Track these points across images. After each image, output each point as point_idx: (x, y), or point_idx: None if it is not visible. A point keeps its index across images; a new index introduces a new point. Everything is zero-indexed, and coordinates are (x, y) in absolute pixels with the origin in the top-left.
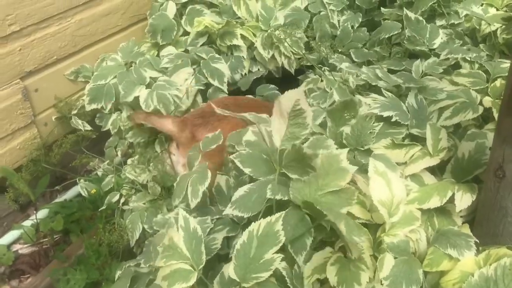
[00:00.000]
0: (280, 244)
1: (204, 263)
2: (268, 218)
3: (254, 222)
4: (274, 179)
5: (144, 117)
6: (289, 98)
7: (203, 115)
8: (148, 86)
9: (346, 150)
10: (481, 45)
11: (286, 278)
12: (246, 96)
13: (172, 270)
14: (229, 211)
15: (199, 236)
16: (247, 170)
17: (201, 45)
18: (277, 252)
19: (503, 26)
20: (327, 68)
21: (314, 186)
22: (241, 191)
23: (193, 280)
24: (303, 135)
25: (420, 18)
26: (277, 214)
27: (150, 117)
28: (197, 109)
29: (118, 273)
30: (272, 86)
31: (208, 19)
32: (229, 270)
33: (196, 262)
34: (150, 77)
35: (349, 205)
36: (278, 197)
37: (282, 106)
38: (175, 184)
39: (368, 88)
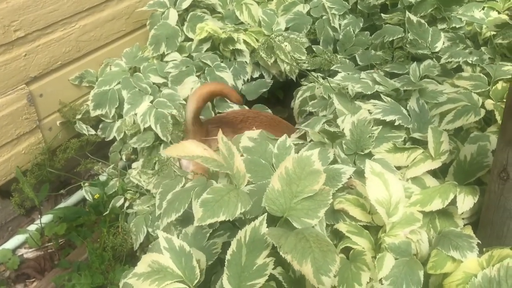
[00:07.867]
0: (269, 247)
1: (198, 278)
2: (252, 224)
3: None
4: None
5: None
6: None
7: (220, 124)
8: (152, 94)
9: (317, 150)
10: (482, 48)
11: (283, 283)
12: (267, 112)
13: None
14: None
15: (188, 252)
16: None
17: (205, 51)
18: (271, 256)
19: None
20: (321, 75)
21: (289, 195)
22: (244, 189)
23: None
24: None
25: (422, 21)
26: (260, 217)
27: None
28: (215, 117)
29: (123, 281)
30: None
31: (211, 25)
32: (223, 281)
33: (189, 278)
34: (154, 83)
35: (326, 206)
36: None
37: None
38: (164, 202)
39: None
